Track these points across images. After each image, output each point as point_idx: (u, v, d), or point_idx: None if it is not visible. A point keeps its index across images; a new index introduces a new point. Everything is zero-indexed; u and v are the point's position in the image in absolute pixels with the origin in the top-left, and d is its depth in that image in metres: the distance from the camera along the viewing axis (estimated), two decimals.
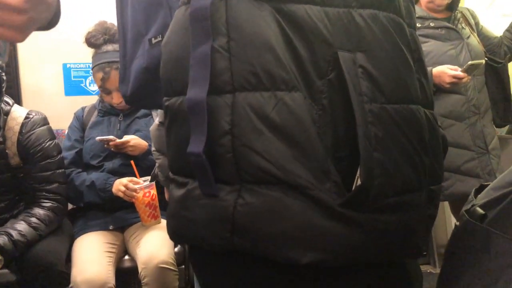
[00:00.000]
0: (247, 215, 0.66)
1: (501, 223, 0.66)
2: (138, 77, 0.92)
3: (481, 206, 0.70)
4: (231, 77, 0.66)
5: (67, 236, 1.88)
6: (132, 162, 1.92)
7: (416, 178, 0.69)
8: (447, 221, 2.78)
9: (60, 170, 1.85)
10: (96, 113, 2.13)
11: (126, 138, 1.94)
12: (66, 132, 2.17)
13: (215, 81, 0.67)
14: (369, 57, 0.67)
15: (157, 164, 1.47)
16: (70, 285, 1.70)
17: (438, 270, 1.96)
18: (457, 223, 0.75)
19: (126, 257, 1.97)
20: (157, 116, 2.11)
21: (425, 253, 0.73)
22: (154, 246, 1.81)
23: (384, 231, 0.66)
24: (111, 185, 1.93)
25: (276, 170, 0.64)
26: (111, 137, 1.93)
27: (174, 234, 0.80)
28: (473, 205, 0.72)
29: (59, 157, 1.85)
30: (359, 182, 0.65)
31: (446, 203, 2.30)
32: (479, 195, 0.75)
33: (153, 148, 1.48)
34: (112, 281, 1.74)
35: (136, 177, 1.91)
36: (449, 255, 0.77)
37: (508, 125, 2.39)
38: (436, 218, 0.84)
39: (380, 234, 0.65)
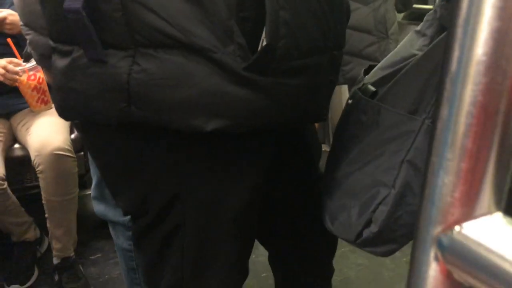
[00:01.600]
0: (144, 83, 0.60)
1: (390, 99, 0.69)
2: None
3: (372, 84, 0.72)
4: None
5: None
6: (9, 40, 1.66)
7: (321, 40, 0.66)
8: (344, 104, 2.93)
9: None
10: None
11: (1, 13, 1.65)
12: None
13: None
14: None
15: (28, 41, 1.28)
16: None
17: None
18: (350, 101, 0.77)
19: (16, 145, 1.82)
20: None
21: (325, 117, 0.74)
22: (47, 132, 1.67)
23: (289, 95, 0.64)
24: None
25: (174, 31, 0.58)
26: None
27: (63, 110, 0.71)
28: (364, 84, 0.73)
29: None
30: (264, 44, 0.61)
31: (344, 87, 2.40)
32: (367, 75, 0.76)
33: (20, 23, 1.26)
34: (1, 170, 1.62)
35: (17, 58, 1.68)
36: (340, 132, 0.80)
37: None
38: (333, 100, 0.85)
39: (284, 98, 0.64)
